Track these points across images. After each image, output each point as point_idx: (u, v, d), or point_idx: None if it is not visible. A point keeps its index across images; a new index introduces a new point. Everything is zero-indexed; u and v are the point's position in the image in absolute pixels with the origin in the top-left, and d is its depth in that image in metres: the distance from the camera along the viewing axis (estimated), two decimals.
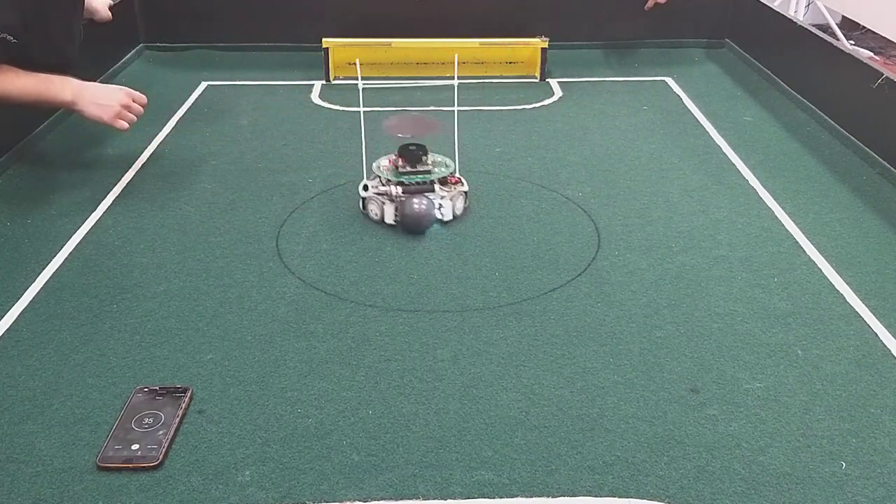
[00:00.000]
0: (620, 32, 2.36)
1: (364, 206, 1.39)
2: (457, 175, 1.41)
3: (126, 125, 1.46)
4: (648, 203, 1.44)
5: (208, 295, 1.16)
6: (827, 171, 1.58)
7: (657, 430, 0.91)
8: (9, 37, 1.36)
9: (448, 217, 1.36)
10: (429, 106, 1.90)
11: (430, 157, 1.40)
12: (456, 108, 1.45)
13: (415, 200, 1.31)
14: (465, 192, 1.40)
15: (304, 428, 0.91)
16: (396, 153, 1.39)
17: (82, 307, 1.13)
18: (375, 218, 1.37)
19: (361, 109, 1.42)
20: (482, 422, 0.92)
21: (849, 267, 1.24)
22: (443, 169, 1.40)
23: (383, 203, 1.35)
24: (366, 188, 1.38)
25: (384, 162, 1.41)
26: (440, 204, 1.35)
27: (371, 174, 1.40)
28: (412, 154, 1.38)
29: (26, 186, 1.49)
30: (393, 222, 1.35)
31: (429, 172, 1.37)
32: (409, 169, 1.37)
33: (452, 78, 1.46)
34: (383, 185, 1.36)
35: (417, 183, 1.36)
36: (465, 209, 1.40)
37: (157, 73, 2.15)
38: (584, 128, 1.79)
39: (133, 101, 1.48)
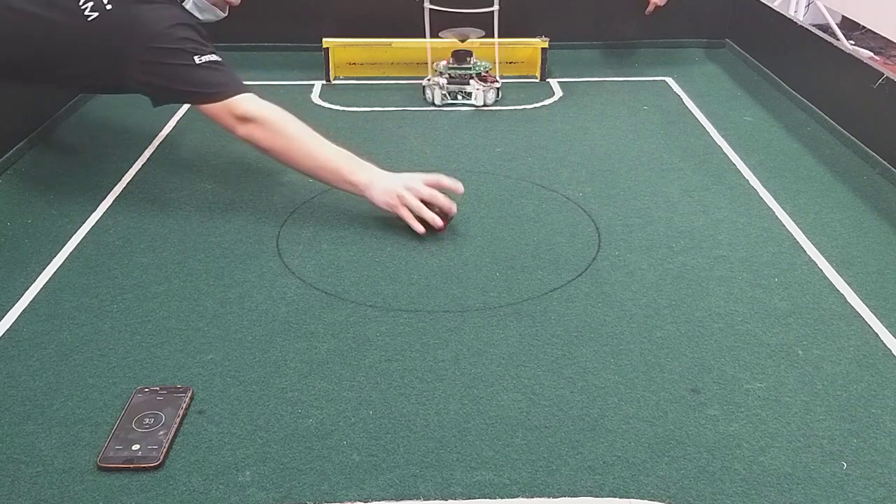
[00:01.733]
0: (620, 32, 2.36)
1: (423, 94, 1.91)
2: (495, 76, 1.90)
3: (414, 223, 1.30)
4: (648, 203, 1.44)
5: (208, 295, 1.16)
6: (827, 171, 1.58)
7: (658, 430, 0.91)
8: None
9: (479, 103, 1.87)
10: (428, 106, 1.90)
11: (473, 60, 1.89)
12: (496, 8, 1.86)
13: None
14: (498, 88, 1.89)
15: (305, 428, 0.91)
16: (452, 55, 1.89)
17: (82, 307, 1.13)
18: (429, 100, 1.89)
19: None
20: (483, 422, 0.92)
21: (849, 267, 1.24)
22: (480, 68, 1.89)
23: (434, 88, 1.87)
24: (428, 79, 1.89)
25: (442, 63, 1.90)
26: (472, 92, 1.87)
27: (434, 72, 1.90)
28: (460, 55, 1.89)
29: (27, 186, 1.49)
30: (440, 103, 1.87)
31: (468, 69, 1.87)
32: (455, 66, 1.88)
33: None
34: (437, 76, 1.89)
35: (459, 75, 1.87)
36: (496, 100, 1.89)
37: None
38: (584, 128, 1.79)
39: (434, 195, 1.31)
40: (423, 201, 1.31)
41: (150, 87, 1.36)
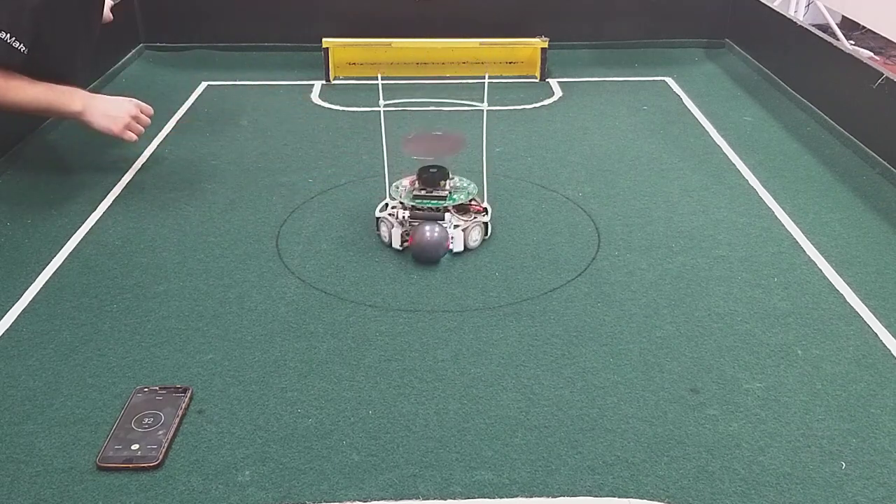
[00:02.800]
0: (620, 32, 2.36)
1: (377, 227, 1.30)
2: (483, 203, 1.31)
3: (135, 137, 1.49)
4: (648, 203, 1.44)
5: (208, 295, 1.16)
6: (827, 171, 1.58)
7: (657, 430, 0.91)
8: (21, 47, 1.37)
9: (458, 248, 1.25)
10: (429, 106, 1.90)
11: (451, 182, 1.30)
12: (485, 133, 1.33)
13: (426, 228, 1.21)
14: (486, 223, 1.29)
15: (304, 428, 0.91)
16: (417, 173, 1.29)
17: (82, 307, 1.13)
18: (385, 240, 1.28)
19: (383, 129, 1.28)
20: (482, 422, 0.92)
21: (849, 267, 1.24)
22: (460, 196, 1.28)
23: (392, 226, 1.26)
24: (384, 208, 1.31)
25: (405, 182, 1.31)
26: (451, 234, 1.24)
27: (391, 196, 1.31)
28: (431, 176, 1.28)
29: (27, 186, 1.50)
30: (399, 248, 1.26)
31: (442, 199, 1.26)
32: (423, 192, 1.27)
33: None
34: (393, 206, 1.29)
35: (429, 208, 1.25)
36: (483, 241, 1.29)
37: (157, 73, 2.15)
38: (584, 128, 1.79)
39: (141, 113, 1.50)
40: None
41: None
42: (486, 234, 1.30)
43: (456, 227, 1.25)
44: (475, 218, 1.28)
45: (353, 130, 1.77)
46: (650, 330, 1.09)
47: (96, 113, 1.46)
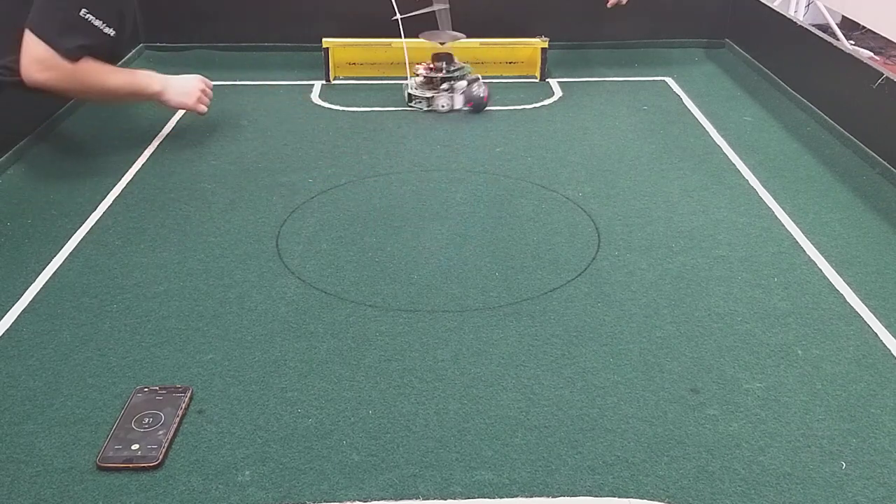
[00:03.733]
0: (620, 32, 2.36)
1: (430, 105, 1.86)
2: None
3: (205, 109, 1.68)
4: (648, 203, 1.44)
5: (208, 295, 1.16)
6: (827, 171, 1.58)
7: (657, 430, 0.91)
8: (110, 31, 1.47)
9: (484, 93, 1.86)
10: (428, 105, 1.90)
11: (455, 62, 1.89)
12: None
13: (474, 87, 1.86)
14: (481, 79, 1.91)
15: (304, 428, 0.91)
16: (433, 60, 1.88)
17: (82, 307, 1.13)
18: (444, 109, 1.86)
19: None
20: (482, 422, 0.92)
21: (849, 267, 1.24)
22: (468, 67, 1.91)
23: (452, 96, 1.86)
24: (415, 87, 1.89)
25: (422, 69, 1.88)
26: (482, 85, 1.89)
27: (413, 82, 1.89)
28: (446, 58, 1.88)
29: (27, 186, 1.49)
30: (464, 106, 1.85)
31: (464, 69, 1.89)
32: (454, 68, 1.88)
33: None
34: (440, 83, 1.87)
35: (464, 76, 1.89)
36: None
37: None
38: (584, 128, 1.79)
39: (206, 86, 1.69)
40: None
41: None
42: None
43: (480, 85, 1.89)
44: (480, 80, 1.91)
45: (353, 130, 1.77)
46: (650, 330, 1.09)
47: (172, 91, 1.62)
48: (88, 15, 1.42)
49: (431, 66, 1.88)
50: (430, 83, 1.88)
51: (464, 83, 1.87)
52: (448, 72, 1.86)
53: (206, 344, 1.06)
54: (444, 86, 1.85)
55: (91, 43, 1.44)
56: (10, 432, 0.90)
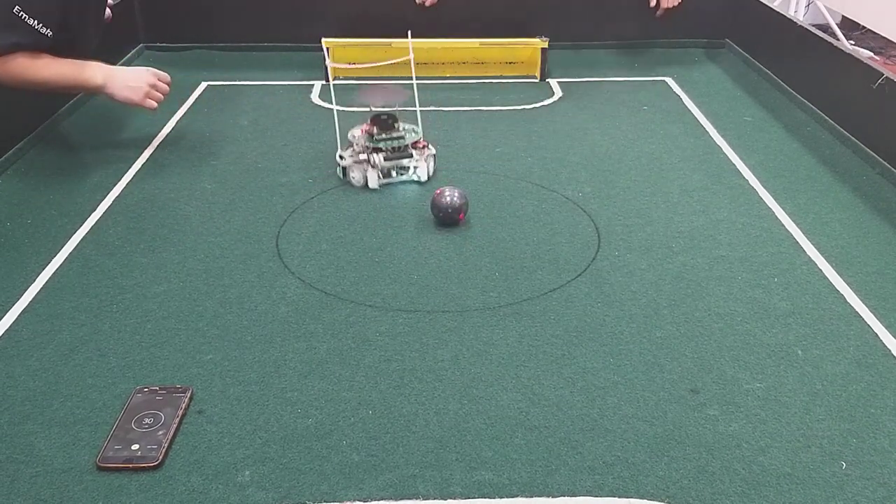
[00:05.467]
0: (621, 32, 2.36)
1: (345, 175, 1.51)
2: (423, 140, 1.53)
3: (155, 105, 1.56)
4: (648, 203, 1.44)
5: (208, 295, 1.16)
6: (827, 171, 1.58)
7: (657, 430, 0.91)
8: (48, 32, 1.45)
9: (424, 178, 1.50)
10: (429, 106, 1.90)
11: (400, 125, 1.52)
12: (414, 80, 1.57)
13: (447, 192, 1.36)
14: (434, 155, 1.53)
15: (304, 428, 0.91)
16: (369, 122, 1.50)
17: (82, 307, 1.13)
18: (358, 184, 1.48)
19: (332, 84, 1.53)
20: (482, 422, 0.92)
21: (849, 267, 1.24)
22: (412, 134, 1.52)
23: (366, 169, 1.48)
24: (342, 158, 1.51)
25: (357, 132, 1.52)
26: (415, 166, 1.49)
27: (345, 144, 1.52)
28: (385, 122, 1.50)
29: (26, 186, 1.49)
30: (377, 187, 1.48)
31: (402, 138, 1.50)
32: (384, 136, 1.49)
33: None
34: (360, 152, 1.49)
35: (394, 148, 1.49)
36: (435, 170, 1.54)
37: None
38: (584, 128, 1.79)
39: (158, 80, 1.58)
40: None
41: None
42: (435, 164, 1.55)
43: (418, 160, 1.50)
44: (426, 152, 1.53)
45: None
46: (650, 330, 1.09)
47: (117, 84, 1.53)
48: (22, 13, 1.42)
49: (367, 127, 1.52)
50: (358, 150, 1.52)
51: (406, 160, 1.49)
52: (379, 139, 1.49)
53: (206, 344, 1.06)
54: (366, 156, 1.48)
55: (24, 41, 1.44)
56: (10, 432, 0.90)
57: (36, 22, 1.44)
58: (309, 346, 1.05)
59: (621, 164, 1.60)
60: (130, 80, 1.54)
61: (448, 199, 1.34)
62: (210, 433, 0.90)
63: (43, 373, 1.00)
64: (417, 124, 1.55)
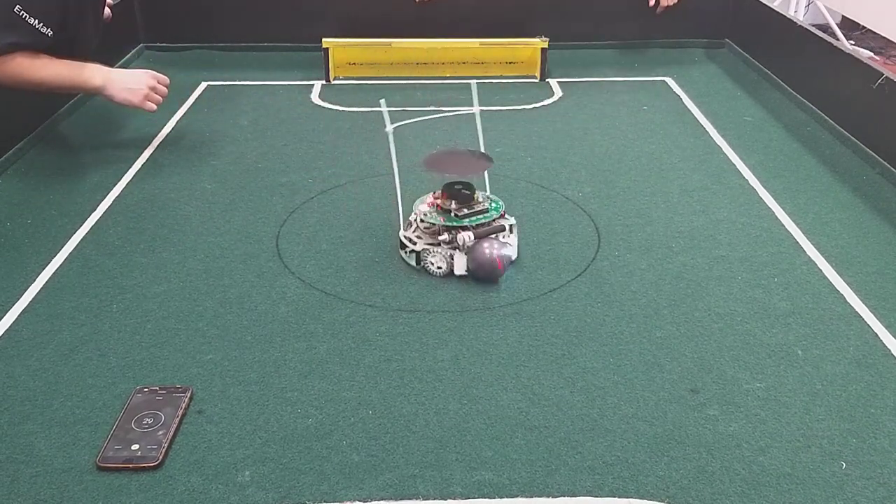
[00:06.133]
0: (620, 32, 2.36)
1: (418, 262, 1.21)
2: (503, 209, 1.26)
3: (154, 107, 1.57)
4: (648, 203, 1.44)
5: (208, 295, 1.16)
6: (827, 171, 1.58)
7: (657, 430, 0.91)
8: (49, 31, 1.46)
9: (515, 256, 1.23)
10: (428, 106, 1.90)
11: (478, 194, 1.24)
12: (482, 140, 1.33)
13: (485, 245, 1.16)
14: (514, 224, 1.25)
15: (304, 428, 0.91)
16: (441, 195, 1.23)
17: (82, 307, 1.13)
18: (441, 274, 1.19)
19: (394, 156, 1.24)
20: (482, 422, 0.92)
21: (849, 267, 1.24)
22: (496, 205, 1.24)
23: (450, 255, 1.18)
24: (411, 241, 1.22)
25: (424, 207, 1.24)
26: (508, 243, 1.20)
27: (408, 224, 1.25)
28: (463, 194, 1.22)
29: (26, 186, 1.49)
30: (465, 273, 1.19)
31: (486, 211, 1.21)
32: (466, 211, 1.20)
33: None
34: (439, 233, 1.20)
35: (479, 224, 1.19)
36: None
37: None
38: (584, 128, 1.79)
39: (158, 83, 1.58)
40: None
41: None
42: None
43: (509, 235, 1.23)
44: (508, 221, 1.24)
45: (353, 130, 1.77)
46: (650, 330, 1.09)
47: (116, 86, 1.54)
48: (23, 12, 1.43)
49: (439, 200, 1.24)
50: (431, 229, 1.22)
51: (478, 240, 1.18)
52: (461, 214, 1.20)
53: (206, 344, 1.06)
54: (446, 236, 1.20)
55: (25, 41, 1.44)
56: (10, 432, 0.90)
57: (36, 21, 1.44)
58: (309, 346, 1.06)
59: (621, 164, 1.60)
60: (129, 83, 1.55)
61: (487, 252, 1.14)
62: (210, 433, 0.90)
63: (43, 373, 1.00)
64: (486, 187, 1.29)
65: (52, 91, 1.57)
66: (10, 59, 1.45)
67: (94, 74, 1.53)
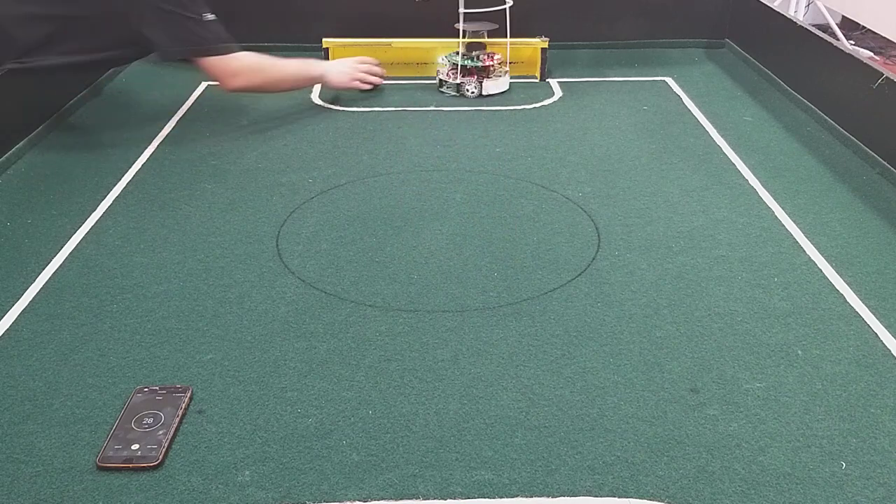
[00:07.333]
0: (620, 32, 2.36)
1: (459, 90, 1.97)
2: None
3: (364, 85, 1.91)
4: (648, 203, 1.44)
5: (208, 295, 1.16)
6: (827, 171, 1.58)
7: (657, 430, 0.91)
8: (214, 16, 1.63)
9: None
10: (429, 105, 1.90)
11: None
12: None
13: None
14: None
15: (304, 428, 0.91)
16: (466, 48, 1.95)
17: (82, 307, 1.13)
18: (473, 95, 1.95)
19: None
20: (482, 422, 0.92)
21: (849, 267, 1.24)
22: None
23: (482, 81, 1.96)
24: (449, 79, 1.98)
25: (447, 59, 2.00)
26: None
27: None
28: (476, 46, 1.98)
29: (27, 186, 1.49)
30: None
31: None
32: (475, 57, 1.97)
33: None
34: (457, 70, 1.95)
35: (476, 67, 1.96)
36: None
37: (157, 73, 2.14)
38: (584, 128, 1.79)
39: (363, 64, 1.91)
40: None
41: (159, 38, 1.54)
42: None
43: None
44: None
45: (353, 130, 1.77)
46: (650, 330, 1.09)
47: (333, 72, 1.86)
48: (206, 15, 1.59)
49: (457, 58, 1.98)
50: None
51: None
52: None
53: (206, 344, 1.06)
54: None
55: (227, 35, 1.61)
56: (10, 432, 0.90)
57: (213, 16, 1.60)
58: (309, 345, 1.06)
59: (621, 164, 1.60)
60: (342, 68, 1.88)
61: None
62: (210, 433, 0.90)
63: (43, 373, 1.00)
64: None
65: (285, 89, 1.82)
66: (241, 61, 1.64)
67: (315, 65, 1.81)
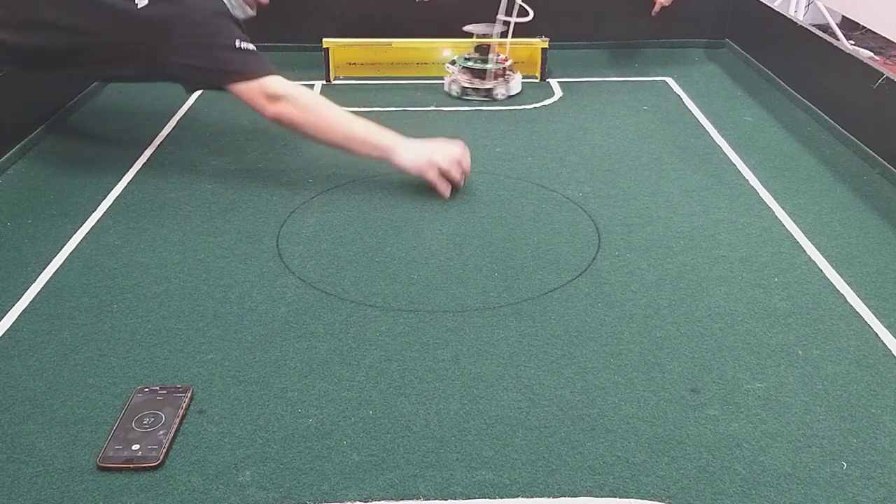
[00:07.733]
0: (620, 32, 2.36)
1: (488, 94, 1.95)
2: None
3: (441, 185, 1.43)
4: (648, 203, 1.44)
5: (208, 295, 1.16)
6: (827, 171, 1.58)
7: (657, 430, 0.91)
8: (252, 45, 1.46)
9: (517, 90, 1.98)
10: (429, 106, 1.90)
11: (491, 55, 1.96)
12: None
13: None
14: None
15: (305, 428, 0.91)
16: (474, 49, 1.98)
17: (82, 307, 1.13)
18: (503, 97, 1.95)
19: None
20: (482, 422, 0.92)
21: (849, 267, 1.24)
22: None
23: (509, 84, 1.97)
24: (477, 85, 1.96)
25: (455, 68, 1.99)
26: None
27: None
28: (484, 49, 1.97)
29: (27, 186, 1.49)
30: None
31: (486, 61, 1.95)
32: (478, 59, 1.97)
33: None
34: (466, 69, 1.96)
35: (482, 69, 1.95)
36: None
37: None
38: (584, 128, 1.79)
39: (458, 162, 1.43)
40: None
41: (188, 69, 1.43)
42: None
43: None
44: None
45: None
46: (650, 330, 1.09)
47: (406, 150, 1.43)
48: (241, 43, 1.44)
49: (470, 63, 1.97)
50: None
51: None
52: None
53: (206, 344, 1.06)
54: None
55: (258, 62, 1.45)
56: (10, 432, 0.90)
57: (249, 43, 1.45)
58: (309, 345, 1.06)
59: (621, 164, 1.60)
60: (420, 151, 1.43)
61: None
62: (210, 433, 0.90)
63: (43, 373, 1.00)
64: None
65: (339, 146, 1.47)
66: (283, 86, 1.44)
67: (387, 136, 1.44)
